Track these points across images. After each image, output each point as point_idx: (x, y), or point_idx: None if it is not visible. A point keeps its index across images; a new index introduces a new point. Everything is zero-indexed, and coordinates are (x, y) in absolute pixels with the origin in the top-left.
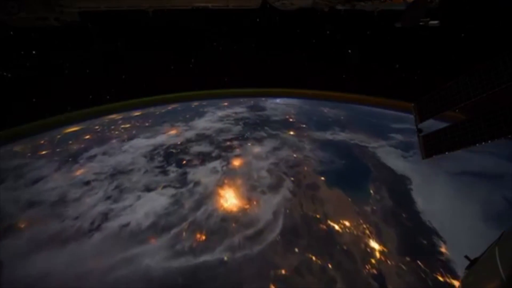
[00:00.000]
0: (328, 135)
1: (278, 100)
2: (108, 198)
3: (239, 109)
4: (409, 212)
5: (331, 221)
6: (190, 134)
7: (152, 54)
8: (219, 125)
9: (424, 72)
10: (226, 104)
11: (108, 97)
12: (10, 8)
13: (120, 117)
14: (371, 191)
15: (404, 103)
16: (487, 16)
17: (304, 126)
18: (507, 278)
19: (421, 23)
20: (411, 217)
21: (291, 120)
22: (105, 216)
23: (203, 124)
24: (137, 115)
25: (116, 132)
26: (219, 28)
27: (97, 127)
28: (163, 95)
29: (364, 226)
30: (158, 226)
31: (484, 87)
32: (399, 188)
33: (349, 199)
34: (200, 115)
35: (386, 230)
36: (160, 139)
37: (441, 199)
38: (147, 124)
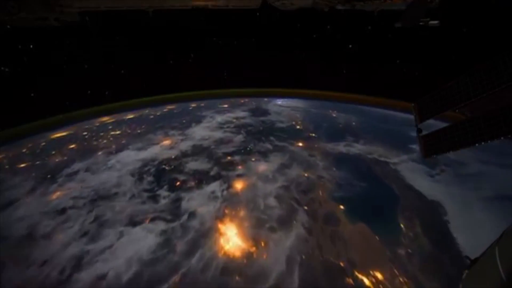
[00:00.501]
0: (341, 148)
1: (280, 102)
2: (85, 234)
3: (240, 113)
4: (452, 255)
5: (359, 272)
6: (186, 145)
7: (152, 54)
8: (218, 134)
9: (424, 72)
10: (226, 106)
11: (106, 92)
12: (10, 8)
13: (112, 120)
14: (402, 225)
15: (404, 103)
16: (487, 16)
17: (313, 135)
18: (507, 278)
19: (421, 23)
20: (456, 262)
21: (298, 127)
22: (79, 262)
23: (201, 132)
24: (130, 118)
25: (104, 141)
26: (219, 28)
27: (85, 132)
28: (163, 95)
29: (401, 279)
30: (142, 280)
31: (484, 87)
32: (433, 220)
33: (377, 237)
34: (198, 120)
35: (429, 285)
36: (152, 151)
37: (485, 235)
38: (139, 131)
